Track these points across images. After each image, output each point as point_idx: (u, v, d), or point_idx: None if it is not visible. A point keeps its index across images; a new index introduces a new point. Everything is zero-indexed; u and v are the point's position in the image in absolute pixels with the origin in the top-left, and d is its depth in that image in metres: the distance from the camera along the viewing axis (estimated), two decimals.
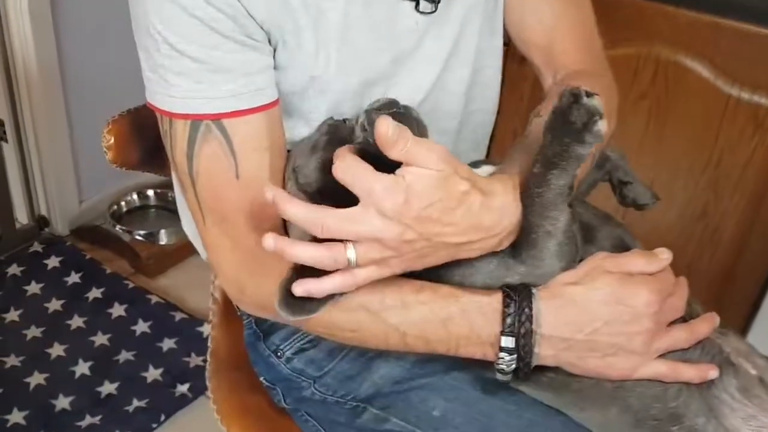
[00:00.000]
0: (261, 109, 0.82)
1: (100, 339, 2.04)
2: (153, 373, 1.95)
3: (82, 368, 1.95)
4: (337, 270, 0.70)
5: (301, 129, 0.89)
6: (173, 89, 0.80)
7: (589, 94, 0.73)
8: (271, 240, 0.69)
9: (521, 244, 0.79)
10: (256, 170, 0.83)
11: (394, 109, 0.79)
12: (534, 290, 0.78)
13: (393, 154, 0.66)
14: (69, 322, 2.09)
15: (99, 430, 1.79)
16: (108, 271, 2.27)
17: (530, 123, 0.95)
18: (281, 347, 0.99)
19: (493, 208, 0.73)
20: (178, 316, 2.12)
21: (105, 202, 2.45)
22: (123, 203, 2.48)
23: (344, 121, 0.86)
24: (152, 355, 2.00)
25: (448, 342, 0.80)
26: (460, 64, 0.97)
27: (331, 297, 0.73)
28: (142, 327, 2.09)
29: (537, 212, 0.77)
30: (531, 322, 0.76)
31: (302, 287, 0.70)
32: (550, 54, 1.02)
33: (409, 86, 0.92)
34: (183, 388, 1.91)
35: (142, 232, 2.36)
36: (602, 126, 0.72)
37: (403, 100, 0.87)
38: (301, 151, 0.84)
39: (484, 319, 0.78)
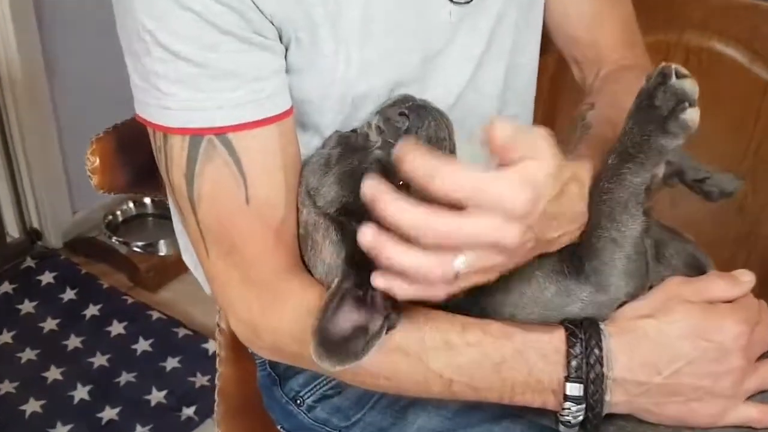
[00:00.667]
0: (273, 120, 0.70)
1: (99, 360, 1.93)
2: (156, 396, 1.85)
3: (81, 393, 1.85)
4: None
5: (316, 144, 0.77)
6: (168, 99, 0.68)
7: (680, 74, 0.63)
8: (370, 233, 0.54)
9: (583, 254, 0.68)
10: (268, 193, 0.71)
11: (410, 104, 0.69)
12: (602, 326, 0.67)
13: (513, 156, 0.55)
14: (65, 342, 1.98)
15: None
16: (105, 285, 2.16)
17: (582, 117, 0.83)
18: (301, 394, 0.88)
19: (584, 195, 0.66)
20: (182, 332, 2.01)
21: (99, 212, 2.33)
22: (119, 213, 2.35)
23: (354, 131, 0.73)
24: (155, 375, 1.90)
25: (501, 389, 0.69)
26: (495, 62, 0.86)
27: (378, 335, 0.63)
28: (143, 345, 1.99)
29: (604, 212, 0.67)
30: (601, 365, 0.66)
31: (386, 281, 0.56)
32: (595, 49, 0.93)
33: (440, 89, 0.81)
34: (189, 411, 1.81)
35: (140, 244, 2.24)
36: (692, 115, 0.62)
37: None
38: (312, 171, 0.73)
39: (544, 362, 0.67)
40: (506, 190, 0.54)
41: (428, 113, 0.69)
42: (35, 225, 2.29)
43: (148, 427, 1.77)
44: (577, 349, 0.66)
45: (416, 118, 0.65)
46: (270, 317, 0.73)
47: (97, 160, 0.80)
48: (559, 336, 0.67)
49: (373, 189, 0.54)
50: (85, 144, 0.84)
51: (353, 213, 0.67)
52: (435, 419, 0.80)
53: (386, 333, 0.64)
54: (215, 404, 1.04)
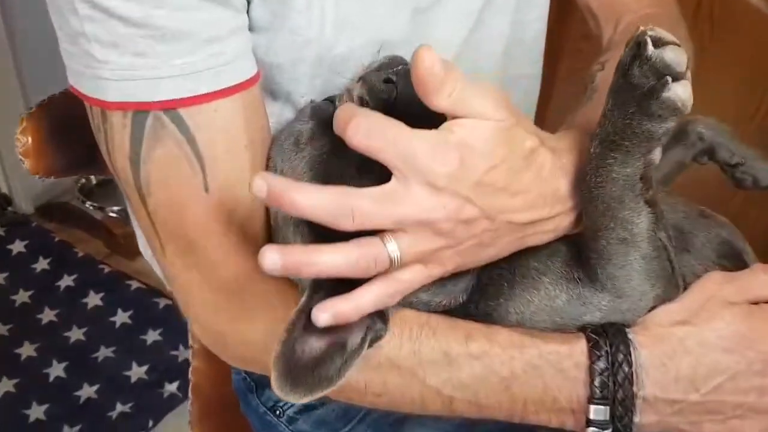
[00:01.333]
0: (234, 90, 0.58)
1: (76, 334, 1.83)
2: (137, 372, 1.75)
3: (57, 370, 1.75)
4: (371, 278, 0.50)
5: (288, 116, 0.64)
6: (102, 67, 0.55)
7: (658, 42, 0.50)
8: (275, 255, 0.46)
9: (593, 259, 0.58)
10: (231, 179, 0.60)
11: (399, 67, 0.56)
12: (630, 334, 0.57)
13: (439, 101, 0.49)
14: (39, 316, 1.87)
15: None
16: (80, 254, 2.04)
17: (592, 79, 0.71)
18: (280, 404, 0.77)
19: (566, 170, 0.56)
20: (162, 302, 1.90)
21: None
22: (92, 176, 2.21)
23: (331, 101, 0.61)
24: (135, 350, 1.79)
25: (511, 408, 0.59)
26: (497, 17, 0.74)
27: (358, 352, 0.52)
28: (122, 318, 1.88)
29: (600, 210, 0.56)
30: (631, 383, 0.56)
31: (330, 310, 0.49)
32: None
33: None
34: (172, 387, 1.72)
35: (115, 208, 2.11)
36: (678, 92, 0.50)
37: None
38: (280, 151, 0.61)
39: (562, 378, 0.57)
40: (425, 152, 0.48)
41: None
42: (3, 190, 2.16)
43: (128, 405, 1.68)
44: (602, 364, 0.56)
45: (406, 85, 0.53)
46: (239, 327, 0.62)
47: (29, 140, 0.67)
48: (580, 348, 0.57)
49: (268, 182, 0.47)
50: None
51: None
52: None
53: (370, 347, 0.53)
54: (189, 402, 0.94)
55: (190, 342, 0.96)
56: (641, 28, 0.51)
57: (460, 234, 0.51)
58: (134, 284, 1.96)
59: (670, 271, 0.59)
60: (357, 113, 0.48)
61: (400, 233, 0.49)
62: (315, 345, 0.51)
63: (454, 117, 0.49)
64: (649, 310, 0.59)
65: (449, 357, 0.58)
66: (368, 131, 0.47)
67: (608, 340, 0.57)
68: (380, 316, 0.54)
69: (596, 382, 0.56)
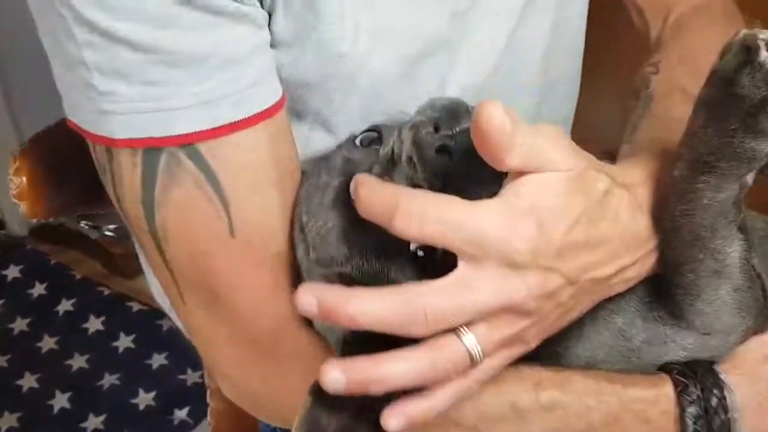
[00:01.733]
0: (259, 119, 0.50)
1: (78, 362, 1.75)
2: (144, 398, 1.67)
3: (61, 401, 1.67)
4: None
5: (318, 139, 0.57)
6: (106, 100, 0.48)
7: None
8: (336, 372, 0.41)
9: (677, 294, 0.51)
10: (260, 219, 0.53)
11: (456, 129, 0.46)
12: (722, 374, 0.51)
13: (511, 159, 0.42)
14: (39, 344, 1.79)
15: None
16: (78, 276, 1.96)
17: (645, 83, 0.64)
18: None
19: (643, 206, 0.49)
20: (166, 324, 1.82)
21: None
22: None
23: (375, 135, 0.53)
24: (141, 375, 1.72)
25: None
26: (539, 15, 0.67)
27: None
28: (125, 342, 1.80)
29: (687, 242, 0.48)
30: (729, 431, 0.49)
31: (400, 415, 0.43)
32: None
33: (475, 52, 0.60)
34: (182, 414, 1.64)
35: (111, 227, 2.02)
36: None
37: (465, 79, 0.59)
38: (308, 197, 0.53)
39: (648, 429, 0.51)
40: (495, 228, 0.41)
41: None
42: None
43: None
44: (693, 411, 0.50)
45: (461, 148, 0.45)
46: (274, 386, 0.55)
47: (24, 181, 0.59)
48: (666, 394, 0.50)
49: (319, 294, 0.41)
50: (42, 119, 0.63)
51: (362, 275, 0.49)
52: None
53: None
54: None
55: (207, 381, 0.89)
56: (744, 31, 0.44)
57: (545, 308, 0.45)
58: (135, 306, 1.88)
59: (763, 300, 0.52)
60: (401, 198, 0.41)
61: (477, 323, 0.43)
62: (340, 414, 0.46)
63: (520, 174, 0.43)
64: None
65: (517, 410, 0.51)
66: (422, 218, 0.41)
67: (698, 383, 0.50)
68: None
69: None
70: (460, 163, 0.44)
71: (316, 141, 0.57)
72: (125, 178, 0.51)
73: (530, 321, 0.45)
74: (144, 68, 0.47)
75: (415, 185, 0.46)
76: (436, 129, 0.45)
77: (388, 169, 0.48)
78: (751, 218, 0.60)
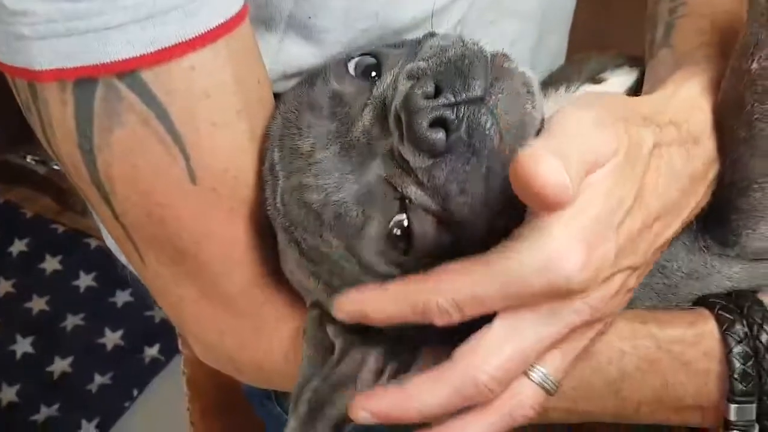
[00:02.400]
0: (216, 35, 0.42)
1: (38, 304, 1.67)
2: (112, 338, 1.61)
3: (23, 346, 1.60)
4: None
5: (294, 50, 0.48)
6: (18, 22, 0.39)
7: None
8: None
9: (734, 221, 0.45)
10: (225, 161, 0.44)
11: (461, 96, 0.38)
12: None
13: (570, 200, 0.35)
14: None
15: (59, 423, 1.47)
16: (29, 214, 1.86)
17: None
18: None
19: (701, 134, 0.43)
20: None
21: None
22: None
23: (374, 60, 0.44)
24: (106, 315, 1.65)
25: (620, 411, 0.47)
26: None
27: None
28: (85, 281, 1.72)
29: (765, 152, 0.43)
30: None
31: None
32: None
33: None
34: (153, 351, 1.59)
35: None
36: None
37: None
38: (283, 138, 0.45)
39: (687, 372, 0.45)
40: (537, 275, 0.36)
41: (481, 116, 0.38)
42: None
43: (108, 376, 1.55)
44: (741, 350, 0.44)
45: (459, 139, 0.38)
46: (253, 353, 0.48)
47: None
48: (708, 332, 0.45)
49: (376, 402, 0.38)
50: None
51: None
52: None
53: (392, 380, 0.44)
54: (186, 398, 0.80)
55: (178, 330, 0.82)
56: None
57: (614, 304, 0.40)
58: (93, 242, 1.79)
59: None
60: (421, 294, 0.37)
61: (547, 355, 0.39)
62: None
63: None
64: None
65: None
66: (457, 305, 0.37)
67: (745, 318, 0.44)
68: (412, 343, 0.43)
69: (737, 375, 0.44)
70: (456, 144, 0.38)
71: (290, 53, 0.48)
72: (55, 118, 0.41)
73: (601, 324, 0.41)
74: None
75: (400, 156, 0.39)
76: (438, 90, 0.37)
77: (380, 116, 0.40)
78: None
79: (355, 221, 0.40)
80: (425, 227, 0.39)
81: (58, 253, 1.77)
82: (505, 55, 0.40)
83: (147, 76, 0.40)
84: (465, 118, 0.37)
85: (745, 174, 0.44)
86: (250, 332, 0.48)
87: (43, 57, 0.39)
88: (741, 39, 0.42)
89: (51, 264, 1.75)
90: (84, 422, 1.47)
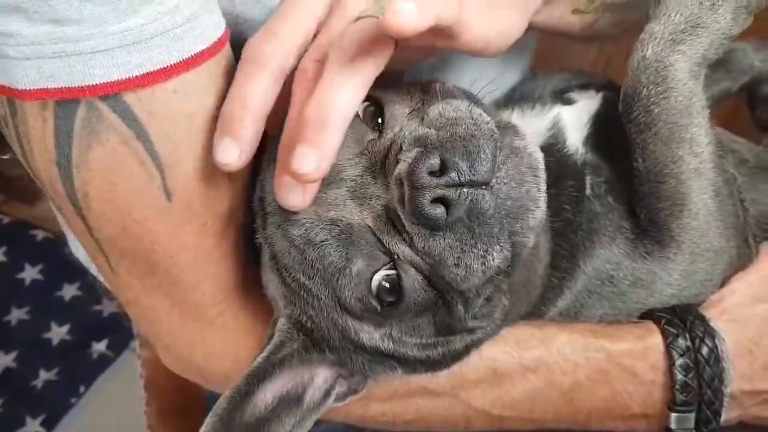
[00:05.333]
0: (199, 60, 0.43)
1: None
2: (58, 333, 1.58)
3: None
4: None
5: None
6: (4, 43, 0.39)
7: None
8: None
9: (663, 212, 0.49)
10: (200, 180, 0.46)
11: (481, 175, 0.40)
12: (712, 321, 0.49)
13: None
14: None
15: (3, 420, 1.45)
16: None
17: None
18: None
19: None
20: None
21: None
22: None
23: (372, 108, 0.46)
24: (52, 309, 1.62)
25: (573, 419, 0.51)
26: None
27: (317, 409, 0.46)
28: (31, 273, 1.69)
29: (662, 136, 0.47)
30: (721, 382, 0.48)
31: None
32: None
33: None
34: (100, 347, 1.56)
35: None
36: None
37: None
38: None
39: (635, 382, 0.49)
40: None
41: (484, 201, 0.39)
42: None
43: (54, 371, 1.52)
44: (683, 363, 0.48)
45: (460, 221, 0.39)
46: (221, 363, 0.49)
47: None
48: (654, 345, 0.49)
49: None
50: None
51: None
52: None
53: (339, 401, 0.45)
54: (144, 401, 0.80)
55: (135, 329, 0.82)
56: None
57: None
58: (40, 234, 1.75)
59: (740, 216, 0.52)
60: None
61: None
62: (261, 403, 0.43)
63: None
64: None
65: (498, 375, 0.48)
66: None
67: (688, 332, 0.48)
68: (353, 365, 0.45)
69: (678, 386, 0.48)
70: (456, 223, 0.39)
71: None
72: (34, 135, 0.42)
73: None
74: (52, 2, 0.37)
75: (396, 215, 0.40)
76: (443, 166, 0.38)
77: (377, 170, 0.41)
78: (738, 145, 0.58)
79: (337, 262, 0.41)
80: (414, 283, 0.41)
81: (2, 244, 1.72)
82: (515, 130, 0.41)
83: (130, 98, 0.41)
84: (467, 202, 0.38)
85: (656, 159, 0.47)
86: (219, 344, 0.50)
87: (27, 77, 0.39)
88: None
89: None
90: (29, 419, 1.44)
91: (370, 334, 0.43)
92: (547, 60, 0.69)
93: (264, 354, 0.43)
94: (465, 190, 0.38)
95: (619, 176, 0.50)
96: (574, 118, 0.53)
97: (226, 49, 0.44)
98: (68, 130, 0.41)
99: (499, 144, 0.39)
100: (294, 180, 0.40)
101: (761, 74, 0.61)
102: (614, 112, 0.53)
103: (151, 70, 0.40)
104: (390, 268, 0.41)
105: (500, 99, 0.59)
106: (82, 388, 1.49)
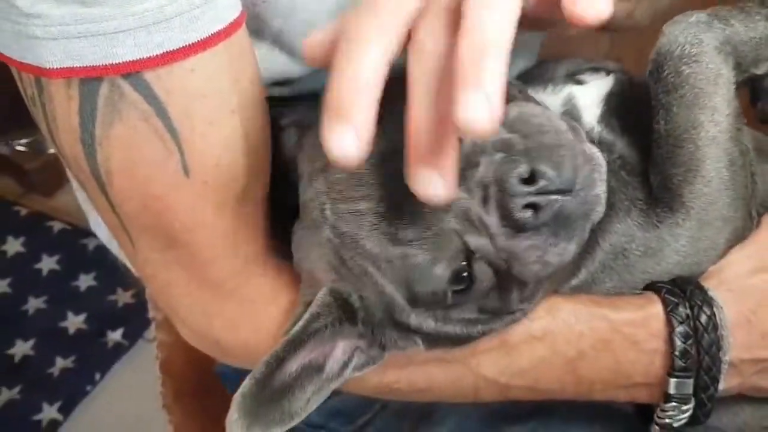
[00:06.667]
0: (215, 40, 0.44)
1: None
2: (75, 322, 1.61)
3: None
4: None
5: (281, 61, 0.51)
6: (32, 23, 0.41)
7: None
8: None
9: (676, 177, 0.50)
10: (218, 154, 0.47)
11: (560, 150, 0.42)
12: (711, 291, 0.50)
13: None
14: None
15: (21, 406, 1.47)
16: None
17: None
18: None
19: None
20: (92, 243, 1.74)
21: None
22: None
23: None
24: (69, 298, 1.64)
25: (576, 389, 0.52)
26: None
27: (336, 378, 0.46)
28: (48, 264, 1.71)
29: (687, 99, 0.49)
30: (719, 349, 0.49)
31: None
32: None
33: None
34: (116, 336, 1.58)
35: (24, 141, 1.89)
36: None
37: None
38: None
39: (637, 351, 0.50)
40: None
41: (569, 206, 0.42)
42: None
43: (70, 359, 1.54)
44: (683, 330, 0.49)
45: (556, 217, 0.42)
46: (240, 333, 0.51)
47: None
48: (655, 314, 0.50)
49: None
50: None
51: None
52: (471, 422, 0.62)
53: (357, 371, 0.46)
54: (160, 382, 0.82)
55: (151, 313, 0.84)
56: None
57: None
58: (57, 225, 1.78)
59: (751, 190, 0.53)
60: None
61: None
62: (288, 369, 0.44)
63: None
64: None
65: (506, 344, 0.50)
66: None
67: (688, 301, 0.49)
68: (378, 339, 0.46)
69: (677, 352, 0.49)
70: (542, 227, 0.41)
71: (278, 62, 0.51)
72: (59, 113, 0.44)
73: None
74: None
75: (478, 217, 0.42)
76: (531, 175, 0.40)
77: None
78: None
79: (422, 264, 0.42)
80: (483, 275, 0.43)
81: (20, 236, 1.75)
82: (578, 133, 0.43)
83: (150, 76, 0.43)
84: (555, 208, 0.41)
85: (677, 123, 0.49)
86: (238, 314, 0.51)
87: (54, 56, 0.41)
88: None
89: (13, 246, 1.74)
90: (45, 405, 1.47)
91: (417, 316, 0.44)
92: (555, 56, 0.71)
93: (302, 323, 0.44)
94: (552, 197, 0.40)
95: (632, 152, 0.52)
96: (587, 97, 0.54)
97: (243, 30, 0.46)
98: (92, 107, 0.43)
99: (578, 153, 0.42)
100: (447, 153, 0.36)
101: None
102: (626, 91, 0.54)
103: (170, 49, 0.42)
104: (465, 262, 0.43)
105: (512, 81, 0.60)
106: (97, 376, 1.52)
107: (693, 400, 0.50)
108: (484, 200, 0.41)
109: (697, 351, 0.49)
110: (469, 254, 0.42)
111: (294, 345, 0.44)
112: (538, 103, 0.48)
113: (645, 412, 0.53)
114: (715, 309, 0.49)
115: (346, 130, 0.34)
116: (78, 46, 0.41)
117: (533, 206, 0.40)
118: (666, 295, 0.50)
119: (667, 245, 0.51)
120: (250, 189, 0.49)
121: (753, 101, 0.67)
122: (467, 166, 0.41)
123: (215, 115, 0.45)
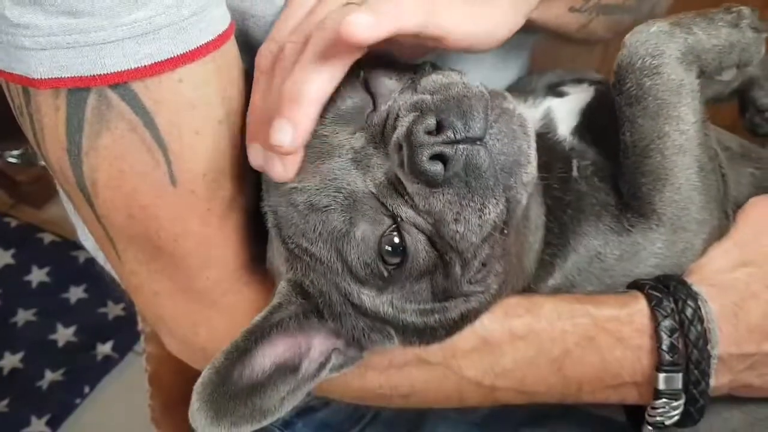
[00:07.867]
0: (204, 51, 0.45)
1: None
2: (64, 334, 1.60)
3: None
4: None
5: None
6: (20, 34, 0.41)
7: None
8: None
9: (645, 186, 0.51)
10: (204, 165, 0.47)
11: (461, 147, 0.42)
12: (695, 287, 0.51)
13: None
14: None
15: (9, 419, 1.46)
16: None
17: None
18: None
19: None
20: (82, 255, 1.73)
21: None
22: None
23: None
24: (58, 310, 1.64)
25: (564, 390, 0.52)
26: None
27: (312, 378, 0.46)
28: (38, 276, 1.71)
29: (650, 111, 0.50)
30: (706, 342, 0.49)
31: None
32: None
33: None
34: (105, 348, 1.58)
35: (15, 152, 1.88)
36: None
37: None
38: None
39: (622, 348, 0.50)
40: None
41: (479, 155, 0.42)
42: None
43: (59, 372, 1.53)
44: (669, 324, 0.49)
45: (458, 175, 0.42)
46: (225, 342, 0.50)
47: None
48: (639, 310, 0.50)
49: None
50: None
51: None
52: (459, 429, 0.61)
53: (335, 372, 0.46)
54: (149, 395, 0.82)
55: (141, 325, 0.84)
56: None
57: None
58: (47, 237, 1.77)
59: (723, 191, 0.54)
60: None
61: None
62: (258, 367, 0.44)
63: None
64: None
65: (488, 343, 0.50)
66: None
67: (672, 295, 0.50)
68: (350, 332, 0.47)
69: (664, 346, 0.49)
70: (453, 179, 0.41)
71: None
72: (46, 123, 0.44)
73: None
74: None
75: (397, 179, 0.43)
76: (439, 126, 0.41)
77: (376, 140, 0.44)
78: (722, 135, 0.60)
79: (341, 227, 0.43)
80: (417, 244, 0.43)
81: (10, 248, 1.74)
82: (504, 96, 0.44)
83: (138, 87, 0.43)
84: (463, 156, 0.41)
85: (642, 134, 0.49)
86: (223, 323, 0.51)
87: (42, 67, 0.41)
88: None
89: (3, 258, 1.73)
90: (34, 418, 1.45)
91: (371, 299, 0.45)
92: (549, 65, 0.71)
93: (262, 314, 0.45)
94: (461, 146, 0.40)
95: (605, 160, 0.53)
96: (564, 110, 0.55)
97: (231, 42, 0.46)
98: (79, 117, 0.43)
99: (490, 104, 0.42)
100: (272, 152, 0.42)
101: (752, 79, 0.63)
102: (605, 102, 0.55)
103: (159, 60, 0.42)
104: (393, 230, 0.43)
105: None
106: (86, 389, 1.51)
107: (683, 396, 0.50)
108: (401, 162, 0.42)
109: (684, 344, 0.49)
110: (396, 222, 0.43)
111: (254, 334, 0.44)
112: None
113: (636, 418, 0.53)
114: (699, 302, 0.49)
115: (285, 124, 0.41)
116: (66, 56, 0.41)
117: (442, 158, 0.41)
118: (650, 291, 0.50)
119: (643, 249, 0.52)
120: (237, 198, 0.49)
121: (741, 112, 0.68)
122: (389, 130, 0.43)
123: (203, 125, 0.45)
